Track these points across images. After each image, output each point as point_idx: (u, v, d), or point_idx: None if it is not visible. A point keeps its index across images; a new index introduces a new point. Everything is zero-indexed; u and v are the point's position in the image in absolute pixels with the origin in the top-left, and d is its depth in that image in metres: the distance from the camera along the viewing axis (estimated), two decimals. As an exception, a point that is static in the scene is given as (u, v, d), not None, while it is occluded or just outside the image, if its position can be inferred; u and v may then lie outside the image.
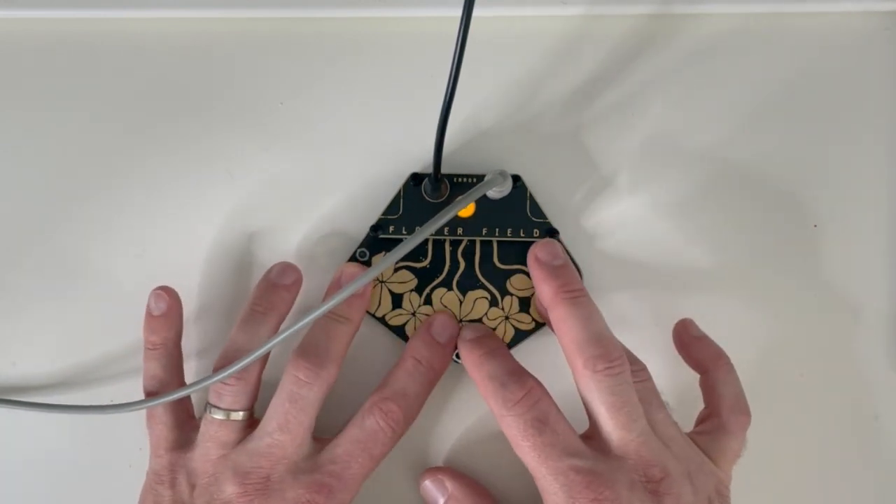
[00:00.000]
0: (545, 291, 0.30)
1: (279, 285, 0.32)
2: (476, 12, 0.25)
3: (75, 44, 0.36)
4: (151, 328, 0.32)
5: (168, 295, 0.32)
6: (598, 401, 0.28)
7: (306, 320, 0.28)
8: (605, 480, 0.26)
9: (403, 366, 0.31)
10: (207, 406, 0.30)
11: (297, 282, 0.32)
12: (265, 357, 0.31)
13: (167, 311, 0.32)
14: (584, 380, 0.28)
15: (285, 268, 0.32)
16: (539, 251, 0.31)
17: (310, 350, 0.30)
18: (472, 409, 0.33)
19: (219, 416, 0.30)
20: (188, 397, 0.32)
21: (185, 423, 0.31)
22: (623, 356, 0.28)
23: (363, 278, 0.28)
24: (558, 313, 0.29)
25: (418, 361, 0.31)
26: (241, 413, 0.30)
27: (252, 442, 0.29)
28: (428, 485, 0.32)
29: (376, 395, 0.30)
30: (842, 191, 0.34)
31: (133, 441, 0.33)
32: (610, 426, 0.27)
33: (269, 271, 0.32)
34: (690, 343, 0.32)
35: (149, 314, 0.32)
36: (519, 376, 0.29)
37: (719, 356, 0.31)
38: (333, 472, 0.29)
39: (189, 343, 0.33)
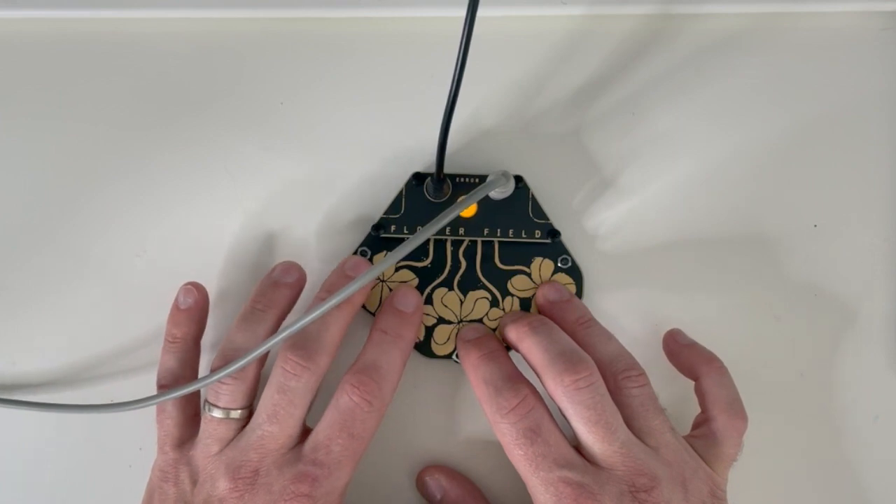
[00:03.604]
0: (512, 337, 0.31)
1: (281, 283, 0.32)
2: (477, 12, 0.25)
3: (75, 44, 0.36)
4: (175, 321, 0.32)
5: (197, 291, 0.32)
6: (575, 416, 0.28)
7: (309, 318, 0.28)
8: (593, 493, 0.26)
9: (371, 339, 0.30)
10: (206, 404, 0.30)
11: (300, 280, 0.32)
12: (264, 354, 0.31)
13: (193, 306, 0.32)
14: (557, 397, 0.28)
15: (289, 266, 0.32)
16: (507, 324, 0.31)
17: (299, 341, 0.29)
18: (470, 410, 0.33)
19: (217, 414, 0.30)
20: (198, 394, 0.32)
21: (192, 420, 0.31)
22: (591, 367, 0.28)
23: (367, 275, 0.28)
24: (524, 348, 0.30)
25: (384, 332, 0.30)
26: (238, 411, 0.30)
27: (244, 436, 0.29)
28: (425, 483, 0.32)
29: (348, 373, 0.29)
30: (842, 191, 0.34)
31: (133, 441, 0.33)
32: (590, 441, 0.27)
33: (273, 270, 0.32)
34: (680, 351, 0.32)
35: (175, 307, 0.32)
36: (514, 383, 0.29)
37: (711, 360, 0.31)
38: (316, 459, 0.28)
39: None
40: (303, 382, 0.29)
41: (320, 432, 0.29)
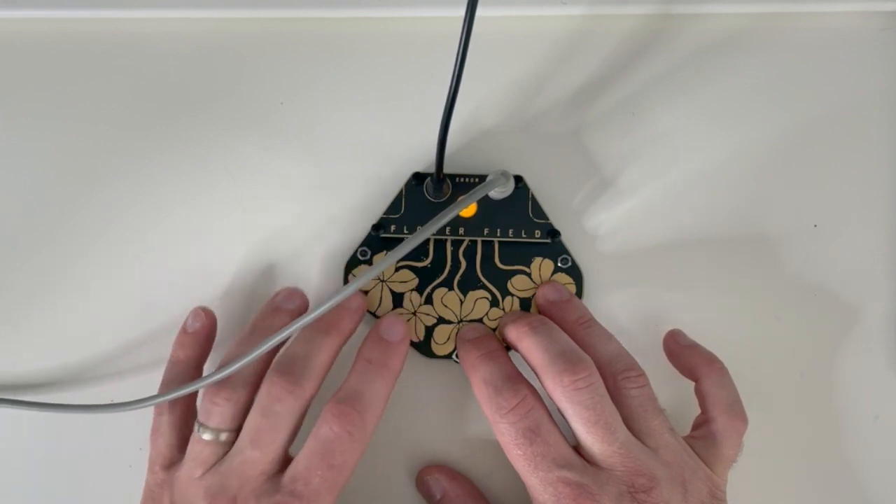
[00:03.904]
0: (511, 336, 0.31)
1: (282, 309, 0.31)
2: (477, 12, 0.25)
3: (75, 44, 0.36)
4: (181, 342, 0.32)
5: (206, 316, 0.32)
6: (574, 417, 0.28)
7: (295, 326, 0.28)
8: (592, 493, 0.26)
9: (354, 368, 0.30)
10: (197, 424, 0.29)
11: (302, 307, 0.32)
12: (257, 378, 0.30)
13: (200, 330, 0.32)
14: (556, 397, 0.28)
15: (291, 293, 0.32)
16: (506, 324, 0.31)
17: (285, 365, 0.29)
18: (470, 410, 0.33)
19: (207, 436, 0.29)
20: (193, 417, 0.31)
21: (185, 442, 0.30)
22: (590, 367, 0.28)
23: (366, 275, 0.28)
24: (524, 347, 0.30)
25: (368, 361, 0.30)
26: (226, 433, 0.29)
27: (227, 460, 0.28)
28: (425, 483, 0.32)
29: (329, 402, 0.29)
30: (842, 191, 0.34)
31: (133, 441, 0.33)
32: (589, 441, 0.27)
33: (276, 295, 0.32)
34: (681, 352, 0.32)
35: (183, 329, 0.32)
36: (514, 383, 0.29)
37: (711, 361, 0.31)
38: (294, 490, 0.27)
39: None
40: (287, 407, 0.28)
41: (300, 462, 0.28)
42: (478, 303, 0.33)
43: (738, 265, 0.34)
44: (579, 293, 0.33)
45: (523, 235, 0.33)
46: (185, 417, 0.31)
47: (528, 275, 0.33)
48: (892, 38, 0.35)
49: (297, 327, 0.28)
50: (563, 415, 0.28)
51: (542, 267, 0.33)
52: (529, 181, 0.33)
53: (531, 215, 0.33)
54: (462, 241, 0.33)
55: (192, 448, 0.29)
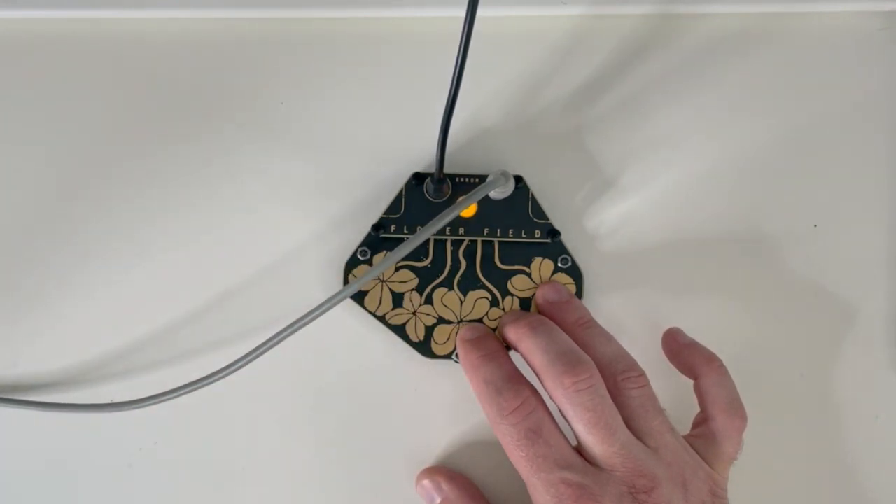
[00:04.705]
0: (511, 337, 0.31)
1: None
2: (477, 12, 0.25)
3: (75, 44, 0.36)
4: None
5: None
6: (575, 418, 0.28)
7: (289, 330, 0.28)
8: (594, 494, 0.26)
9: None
10: None
11: None
12: None
13: None
14: (557, 398, 0.28)
15: None
16: (506, 324, 0.31)
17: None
18: (470, 409, 0.33)
19: None
20: None
21: None
22: (591, 369, 0.28)
23: (367, 275, 0.28)
24: (524, 348, 0.30)
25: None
26: None
27: None
28: (424, 484, 0.32)
29: None
30: (842, 191, 0.34)
31: (133, 441, 0.33)
32: (590, 442, 0.27)
33: None
34: (680, 350, 0.32)
35: None
36: (515, 384, 0.29)
37: (711, 359, 0.31)
38: None
39: (184, 342, 0.33)
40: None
41: None
42: (478, 303, 0.33)
43: (738, 265, 0.34)
44: (579, 293, 0.33)
45: (523, 235, 0.33)
46: None
47: (528, 275, 0.33)
48: (891, 38, 0.35)
49: (291, 331, 0.28)
50: (563, 416, 0.28)
51: (542, 267, 0.33)
52: (529, 181, 0.33)
53: (531, 215, 0.33)
54: (462, 241, 0.33)
55: None
